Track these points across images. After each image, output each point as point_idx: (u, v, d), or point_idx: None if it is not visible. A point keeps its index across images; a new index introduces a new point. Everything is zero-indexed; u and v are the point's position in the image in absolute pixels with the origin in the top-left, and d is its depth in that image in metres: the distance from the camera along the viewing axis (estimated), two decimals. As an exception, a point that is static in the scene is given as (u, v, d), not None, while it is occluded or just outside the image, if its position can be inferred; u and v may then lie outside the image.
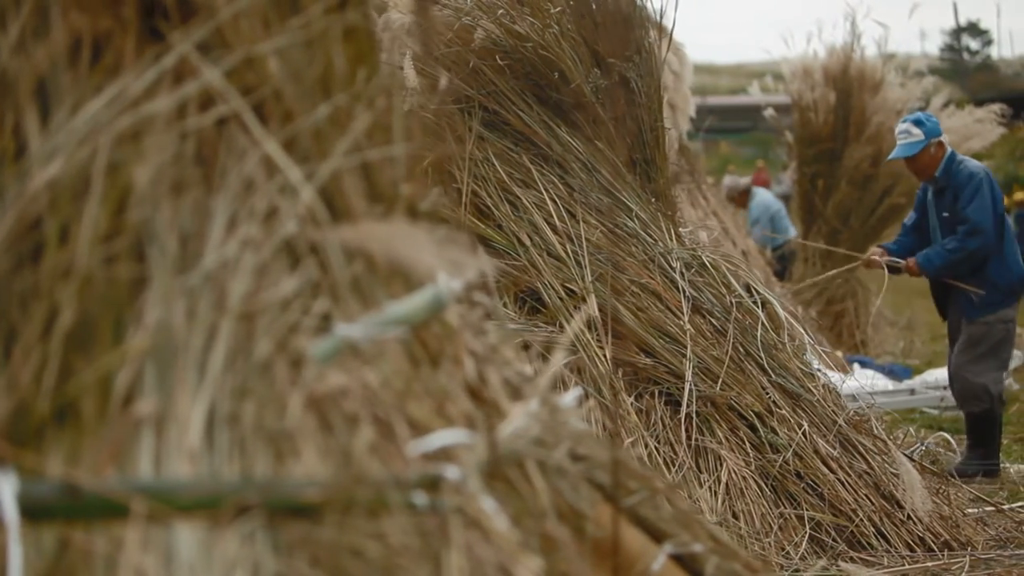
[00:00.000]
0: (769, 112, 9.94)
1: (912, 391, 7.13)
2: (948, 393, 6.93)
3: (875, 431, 3.83)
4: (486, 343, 1.60)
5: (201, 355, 1.23)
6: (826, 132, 9.37)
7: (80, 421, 1.17)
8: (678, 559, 1.67)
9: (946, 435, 5.50)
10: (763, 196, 10.32)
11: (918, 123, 5.15)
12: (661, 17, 4.27)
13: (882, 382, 7.10)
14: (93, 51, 1.34)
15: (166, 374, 1.21)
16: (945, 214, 5.10)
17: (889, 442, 3.85)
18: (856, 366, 7.40)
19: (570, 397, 1.74)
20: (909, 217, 5.47)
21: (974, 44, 48.63)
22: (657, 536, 1.67)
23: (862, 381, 6.85)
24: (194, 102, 1.36)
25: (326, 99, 1.42)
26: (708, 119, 9.21)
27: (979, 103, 10.80)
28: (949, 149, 5.19)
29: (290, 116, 1.38)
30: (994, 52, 49.06)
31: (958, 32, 47.50)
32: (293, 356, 1.29)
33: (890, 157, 5.46)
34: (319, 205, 1.34)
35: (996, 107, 9.98)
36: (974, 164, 5.21)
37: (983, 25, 50.95)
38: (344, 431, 1.28)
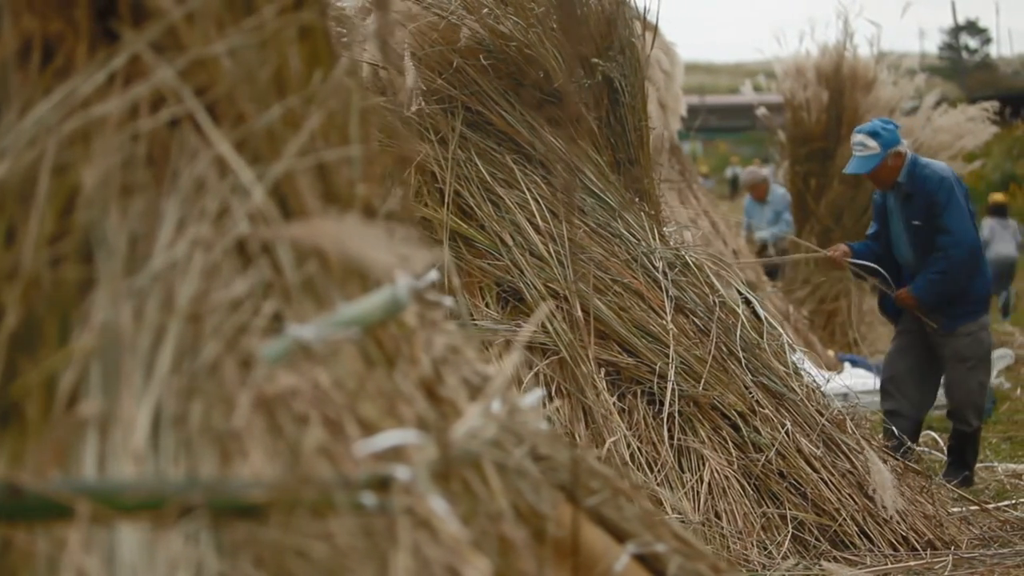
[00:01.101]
0: (762, 111, 9.95)
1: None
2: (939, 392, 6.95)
3: (850, 430, 3.82)
4: (445, 343, 1.61)
5: (148, 356, 1.23)
6: (819, 131, 9.37)
7: (24, 422, 1.17)
8: (641, 559, 1.67)
9: (933, 434, 5.51)
10: (780, 189, 10.12)
11: (874, 134, 4.92)
12: (644, 15, 4.27)
13: (873, 381, 7.09)
14: (44, 53, 1.34)
15: (112, 375, 1.21)
16: (916, 222, 4.88)
17: (863, 441, 3.85)
18: (847, 365, 7.40)
19: (532, 397, 1.74)
20: (871, 227, 5.27)
21: (973, 43, 48.69)
22: (620, 536, 1.68)
23: (853, 380, 6.87)
24: (146, 103, 1.36)
25: (280, 99, 1.42)
26: (700, 118, 9.21)
27: (973, 101, 10.82)
28: (910, 154, 5.00)
29: (243, 116, 1.38)
30: (993, 51, 49.12)
31: (956, 31, 47.54)
32: (243, 357, 1.29)
33: (845, 171, 5.23)
34: (271, 205, 1.34)
35: (989, 105, 9.98)
36: (940, 167, 5.06)
37: (982, 24, 50.95)
38: (293, 432, 1.28)
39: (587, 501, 1.67)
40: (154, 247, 1.29)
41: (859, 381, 7.00)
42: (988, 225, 11.76)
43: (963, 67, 43.75)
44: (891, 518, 3.65)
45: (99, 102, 1.33)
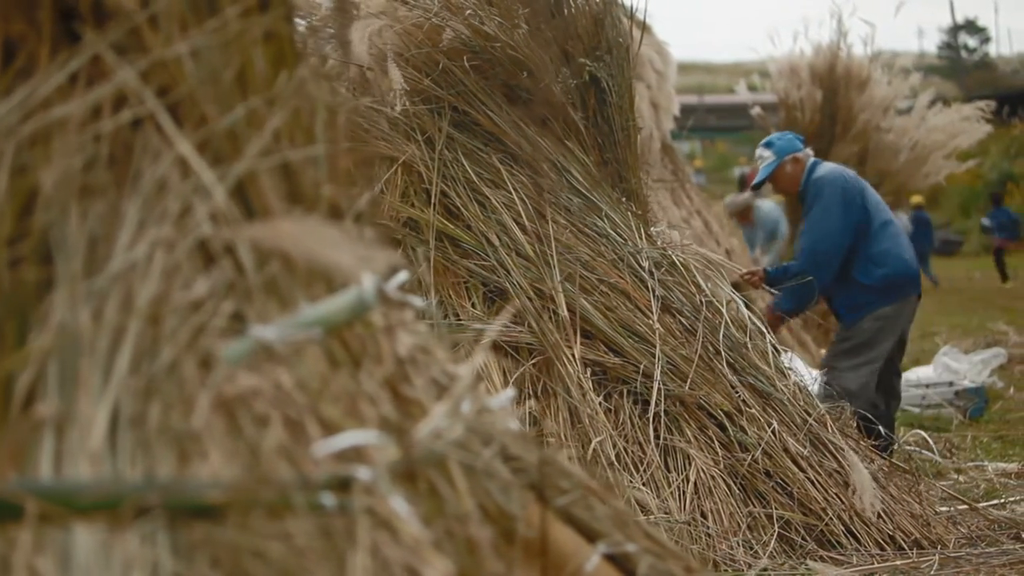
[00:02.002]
0: (756, 111, 9.95)
1: (894, 389, 7.11)
2: (930, 391, 6.96)
3: (830, 431, 3.82)
4: (413, 343, 1.61)
5: (107, 357, 1.24)
6: (812, 130, 9.37)
7: (-20, 423, 1.17)
8: (612, 559, 1.67)
9: (923, 433, 5.51)
10: (766, 204, 9.89)
11: (768, 145, 5.15)
12: (632, 13, 4.27)
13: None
14: (5, 54, 1.34)
15: (69, 376, 1.21)
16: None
17: (849, 441, 3.85)
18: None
19: (502, 397, 1.74)
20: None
21: (972, 42, 48.74)
22: (591, 536, 1.68)
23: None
24: (109, 104, 1.37)
25: (244, 100, 1.42)
26: (693, 117, 9.20)
27: (971, 100, 10.82)
28: (810, 161, 5.11)
29: (206, 117, 1.38)
30: (992, 50, 49.16)
31: (955, 30, 47.58)
32: (203, 357, 1.30)
33: (753, 184, 5.48)
34: (232, 205, 1.35)
35: (983, 104, 9.98)
36: (828, 171, 5.07)
37: (981, 23, 50.99)
38: (253, 432, 1.29)
39: (557, 501, 1.67)
40: (114, 248, 1.29)
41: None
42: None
43: (962, 66, 43.78)
44: (871, 521, 3.65)
45: (61, 103, 1.33)
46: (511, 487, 1.58)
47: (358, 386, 1.43)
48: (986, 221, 18.20)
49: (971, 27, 48.42)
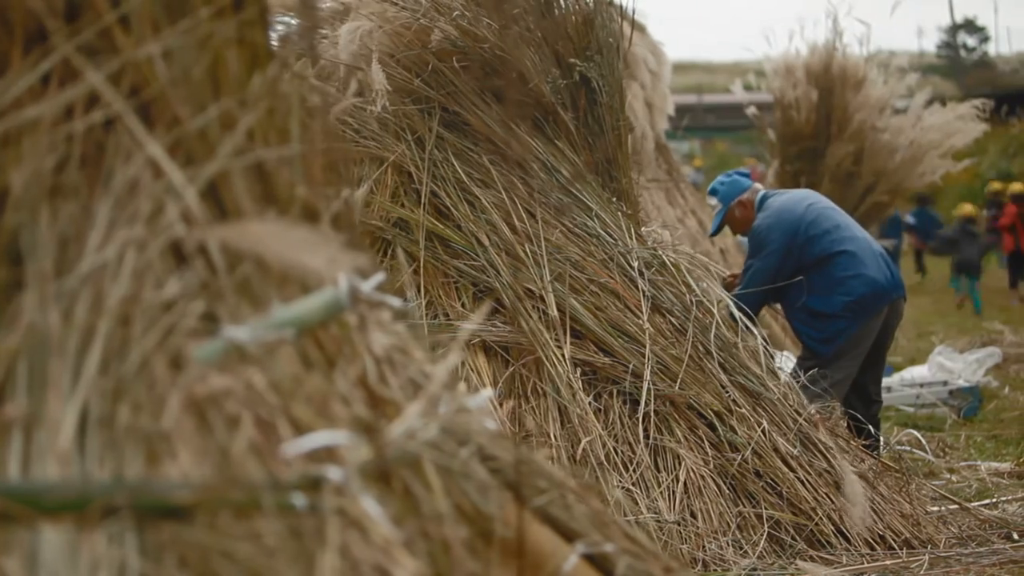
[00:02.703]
0: (751, 111, 9.95)
1: (889, 389, 7.13)
2: (924, 391, 6.97)
3: (823, 434, 3.82)
4: (390, 344, 1.61)
5: (76, 357, 1.24)
6: (808, 130, 9.37)
7: (-52, 423, 1.17)
8: (591, 559, 1.67)
9: (916, 433, 5.51)
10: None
11: (713, 193, 5.11)
12: (622, 12, 4.27)
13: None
14: (-24, 55, 1.34)
15: (38, 376, 1.21)
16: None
17: (841, 443, 3.85)
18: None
19: (481, 397, 1.74)
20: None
21: (971, 41, 48.76)
22: (569, 536, 1.68)
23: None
24: (81, 105, 1.37)
25: (217, 101, 1.42)
26: (689, 117, 9.20)
27: (967, 99, 10.83)
28: (759, 196, 5.02)
29: (178, 118, 1.38)
30: (991, 49, 49.16)
31: (954, 29, 47.61)
32: (174, 358, 1.30)
33: (709, 233, 5.53)
34: (201, 206, 1.35)
35: (979, 103, 9.97)
36: (770, 214, 4.91)
37: (980, 22, 51.01)
38: (224, 432, 1.29)
39: (534, 501, 1.67)
40: (85, 249, 1.29)
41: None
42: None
43: (961, 65, 43.79)
44: (858, 535, 3.65)
45: (32, 103, 1.33)
46: (488, 487, 1.58)
47: (331, 386, 1.43)
48: (910, 219, 18.18)
49: (970, 26, 48.46)
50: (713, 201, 5.09)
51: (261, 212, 1.45)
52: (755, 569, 3.54)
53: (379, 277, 1.66)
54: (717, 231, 5.26)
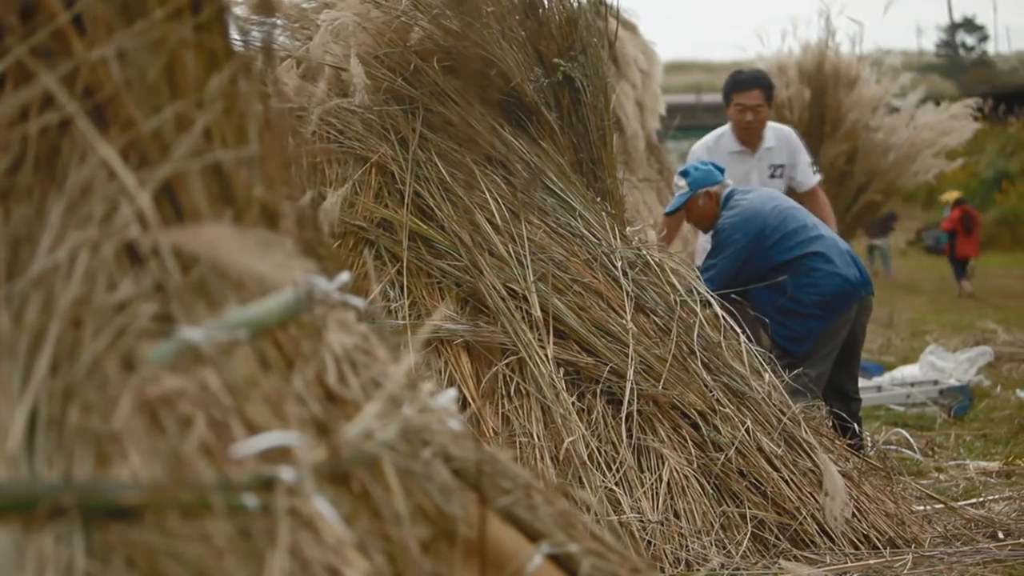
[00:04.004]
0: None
1: (879, 388, 7.14)
2: (915, 390, 6.97)
3: (804, 432, 3.83)
4: (352, 344, 1.61)
5: (26, 359, 1.24)
6: (801, 129, 9.35)
7: None
8: (555, 559, 1.67)
9: (904, 432, 5.51)
10: None
11: (684, 174, 5.06)
12: (607, 11, 4.27)
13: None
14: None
15: (-13, 378, 1.21)
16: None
17: (827, 442, 3.85)
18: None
19: (445, 397, 1.74)
20: None
21: (970, 40, 48.78)
22: (533, 536, 1.68)
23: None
24: (36, 106, 1.37)
25: (173, 102, 1.42)
26: (679, 117, 9.21)
27: (965, 98, 10.84)
28: (725, 192, 5.00)
29: (132, 119, 1.39)
30: (991, 48, 49.17)
31: (953, 28, 47.63)
32: (126, 359, 1.30)
33: (666, 211, 5.45)
34: (155, 208, 1.35)
35: (972, 101, 9.98)
36: (737, 218, 4.87)
37: (979, 21, 51.01)
38: (176, 433, 1.29)
39: (498, 501, 1.67)
40: (37, 250, 1.29)
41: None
42: None
43: (960, 64, 43.79)
44: (837, 528, 3.65)
45: (-14, 106, 1.34)
46: (451, 488, 1.58)
47: (289, 387, 1.43)
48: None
49: (969, 25, 48.47)
50: (681, 183, 5.03)
51: (218, 213, 1.45)
52: (738, 569, 3.54)
53: (344, 277, 1.67)
54: (675, 211, 5.16)
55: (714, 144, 5.81)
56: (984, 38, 48.88)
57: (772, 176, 5.74)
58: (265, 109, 1.57)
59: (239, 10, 1.53)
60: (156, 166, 1.38)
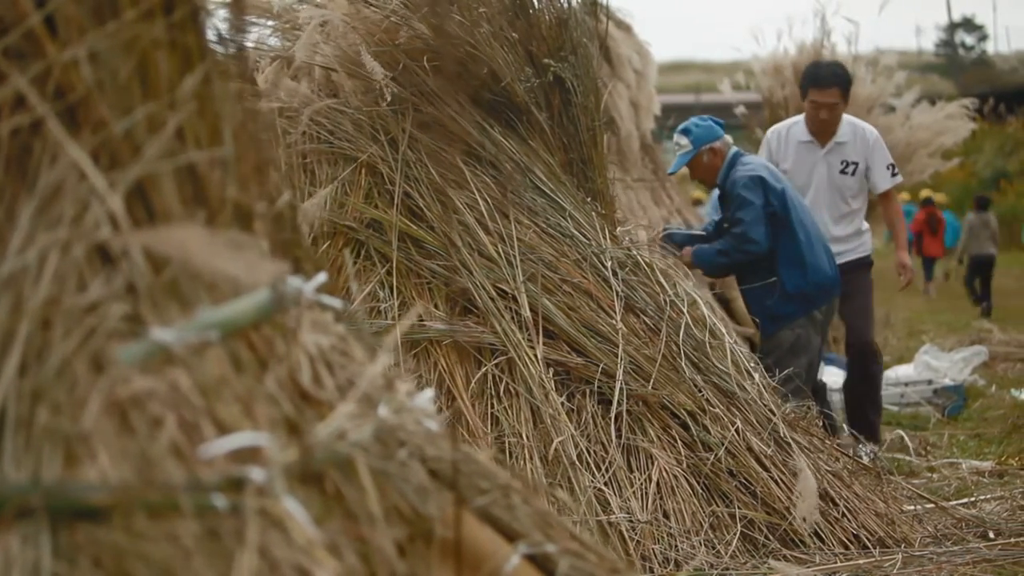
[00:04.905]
0: (740, 110, 9.95)
1: (873, 388, 7.12)
2: (908, 390, 6.97)
3: (782, 432, 3.83)
4: (328, 345, 1.61)
5: (-5, 359, 1.24)
6: (796, 129, 9.33)
7: None
8: (533, 560, 1.67)
9: (900, 432, 5.51)
10: None
11: (685, 132, 5.01)
12: (596, 9, 4.28)
13: (843, 378, 7.10)
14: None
15: (-45, 379, 1.21)
16: (725, 225, 4.96)
17: (804, 443, 3.85)
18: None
19: (422, 397, 1.74)
20: (709, 216, 5.44)
21: (969, 40, 48.78)
22: (511, 536, 1.68)
23: (824, 378, 6.87)
24: (8, 107, 1.37)
25: (146, 103, 1.43)
26: (673, 116, 9.18)
27: (964, 97, 10.84)
28: (731, 152, 5.00)
29: (104, 120, 1.39)
30: (990, 48, 49.15)
31: (953, 28, 47.63)
32: (96, 359, 1.30)
33: (668, 171, 5.44)
34: (126, 209, 1.35)
35: (968, 101, 9.98)
36: (746, 168, 4.95)
37: (978, 21, 51.00)
38: (146, 434, 1.29)
39: (475, 501, 1.67)
40: (6, 251, 1.30)
41: (830, 379, 7.01)
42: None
43: (959, 64, 43.79)
44: (807, 529, 3.65)
45: (-43, 107, 1.34)
46: (427, 488, 1.58)
47: (261, 387, 1.43)
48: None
49: (969, 25, 48.49)
50: (683, 141, 4.96)
51: (191, 215, 1.45)
52: (727, 569, 3.54)
53: (321, 278, 1.67)
54: (677, 170, 5.19)
55: (785, 131, 5.66)
56: (983, 38, 48.91)
57: (843, 172, 5.53)
58: (240, 109, 1.57)
59: (216, 10, 1.52)
60: (128, 167, 1.38)
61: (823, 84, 5.53)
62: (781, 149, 5.56)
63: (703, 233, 5.21)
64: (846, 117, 5.64)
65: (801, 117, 5.72)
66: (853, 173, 5.55)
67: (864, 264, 5.65)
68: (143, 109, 1.41)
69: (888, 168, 5.66)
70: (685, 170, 5.17)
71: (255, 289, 1.41)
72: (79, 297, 1.31)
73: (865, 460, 4.51)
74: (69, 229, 1.34)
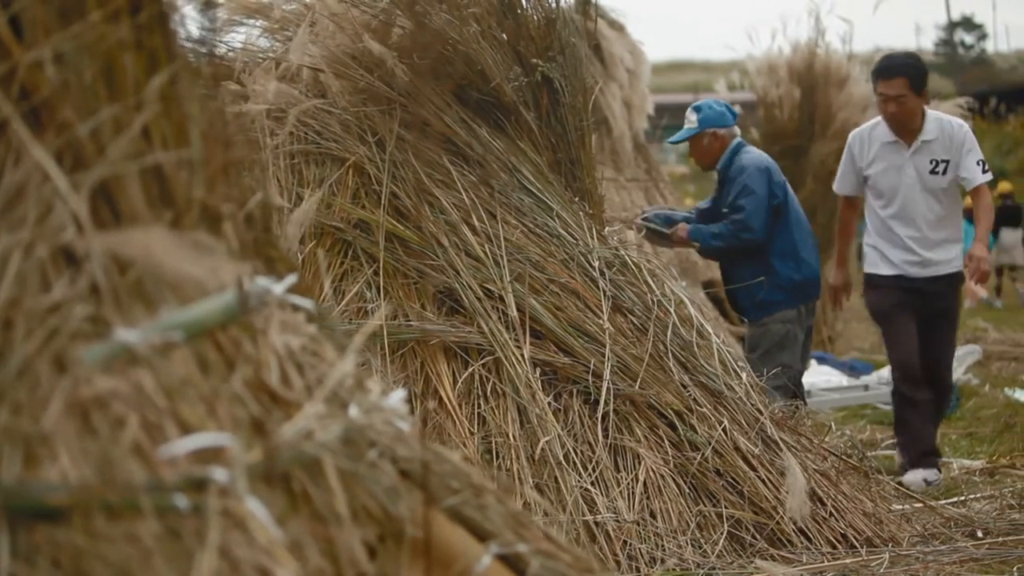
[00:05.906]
0: (735, 109, 9.92)
1: (866, 387, 7.14)
2: (902, 389, 6.95)
3: (770, 431, 3.83)
4: (297, 345, 1.61)
5: (-45, 361, 1.24)
6: (791, 128, 9.38)
7: None
8: (505, 560, 1.67)
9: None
10: None
11: (696, 109, 5.06)
12: (584, 12, 4.28)
13: (836, 378, 7.13)
14: None
15: (-85, 380, 1.21)
16: (724, 209, 4.97)
17: (781, 443, 3.85)
18: (813, 362, 7.41)
19: (394, 397, 1.74)
20: (705, 201, 5.34)
21: (969, 38, 48.73)
22: (483, 536, 1.68)
23: (817, 377, 6.89)
24: (-27, 109, 1.37)
25: (111, 104, 1.43)
26: (666, 116, 9.20)
27: (962, 96, 10.84)
28: (735, 141, 5.02)
29: (68, 121, 1.39)
30: (990, 46, 49.06)
31: (952, 27, 47.59)
32: (58, 360, 1.30)
33: (671, 140, 5.45)
34: (93, 210, 1.35)
35: (963, 100, 9.99)
36: (751, 157, 4.98)
37: (978, 19, 50.97)
38: (108, 434, 1.29)
39: (446, 501, 1.67)
40: (-32, 252, 1.30)
41: (823, 379, 7.03)
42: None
43: (959, 63, 43.75)
44: (822, 519, 3.66)
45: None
46: (397, 489, 1.58)
47: (227, 388, 1.43)
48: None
49: (968, 24, 48.44)
50: (692, 117, 5.02)
51: (158, 216, 1.45)
52: (714, 568, 3.54)
53: (291, 279, 1.67)
54: (680, 141, 5.21)
55: (868, 133, 5.23)
56: (983, 36, 48.84)
57: (933, 172, 5.07)
58: (209, 110, 1.57)
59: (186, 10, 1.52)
60: (92, 168, 1.38)
61: (888, 74, 5.09)
62: (865, 152, 5.19)
63: (687, 214, 5.25)
64: (932, 112, 5.20)
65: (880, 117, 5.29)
66: (944, 172, 5.09)
67: (958, 280, 5.26)
68: (109, 110, 1.41)
69: (979, 164, 5.18)
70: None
71: (218, 291, 1.41)
72: (42, 298, 1.31)
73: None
74: (33, 230, 1.34)
